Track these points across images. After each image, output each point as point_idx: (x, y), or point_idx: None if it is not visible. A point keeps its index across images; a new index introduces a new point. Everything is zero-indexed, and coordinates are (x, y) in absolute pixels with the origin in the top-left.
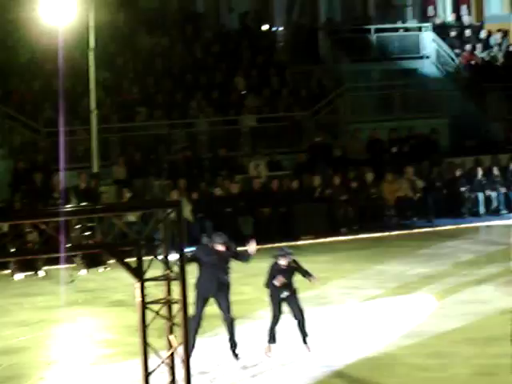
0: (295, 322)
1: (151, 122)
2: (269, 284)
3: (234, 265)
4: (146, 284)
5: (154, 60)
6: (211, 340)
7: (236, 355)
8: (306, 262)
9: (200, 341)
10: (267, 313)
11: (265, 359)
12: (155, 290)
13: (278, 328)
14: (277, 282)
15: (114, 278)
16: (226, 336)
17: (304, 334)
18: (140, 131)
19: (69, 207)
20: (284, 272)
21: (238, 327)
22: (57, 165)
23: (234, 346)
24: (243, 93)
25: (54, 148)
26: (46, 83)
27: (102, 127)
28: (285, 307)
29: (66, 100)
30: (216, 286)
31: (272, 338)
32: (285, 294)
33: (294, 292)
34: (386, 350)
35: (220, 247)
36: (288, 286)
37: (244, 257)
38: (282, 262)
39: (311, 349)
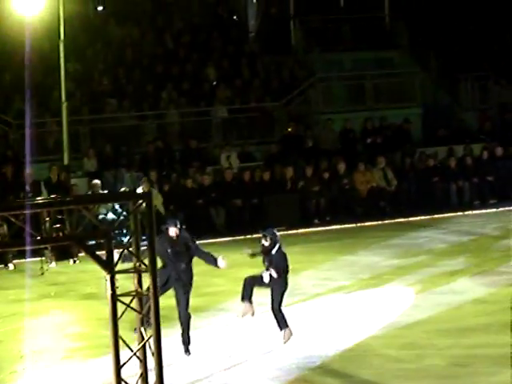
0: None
1: (122, 113)
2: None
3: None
4: (118, 276)
5: (125, 51)
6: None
7: (187, 350)
8: None
9: (174, 333)
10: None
11: (237, 352)
12: (127, 283)
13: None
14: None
15: (86, 271)
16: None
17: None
18: (111, 123)
19: (38, 200)
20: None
21: (213, 319)
22: (27, 157)
23: (187, 342)
24: (214, 83)
25: (25, 140)
26: (15, 75)
27: (72, 119)
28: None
29: (37, 92)
30: (174, 276)
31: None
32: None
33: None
34: (360, 342)
35: (173, 231)
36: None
37: (211, 260)
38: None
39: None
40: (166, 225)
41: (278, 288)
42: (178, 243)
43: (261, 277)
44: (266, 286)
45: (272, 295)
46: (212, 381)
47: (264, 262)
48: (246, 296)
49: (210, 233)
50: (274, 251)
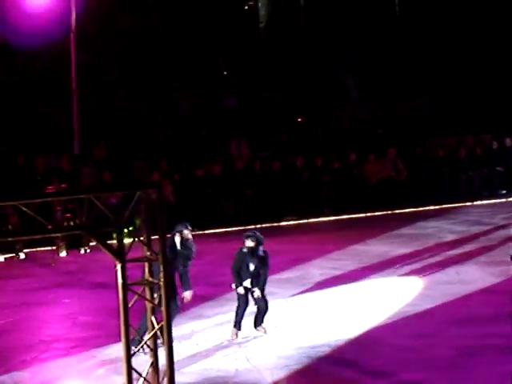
0: (256, 310)
1: (132, 103)
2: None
3: (214, 246)
4: (128, 265)
5: (135, 41)
6: (195, 322)
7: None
8: (289, 243)
9: (184, 322)
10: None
11: (250, 341)
12: (137, 272)
13: (243, 314)
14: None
15: (96, 260)
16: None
17: (259, 321)
18: (121, 112)
19: (49, 189)
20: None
21: (222, 308)
22: (38, 147)
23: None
24: (225, 73)
25: (36, 130)
26: (26, 66)
27: (82, 109)
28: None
29: (47, 82)
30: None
31: (238, 323)
32: (248, 284)
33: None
34: (370, 331)
35: (187, 233)
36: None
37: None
38: (248, 244)
39: (266, 331)
40: (177, 229)
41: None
42: (187, 246)
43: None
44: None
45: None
46: (221, 369)
47: (248, 263)
48: (238, 324)
49: (219, 222)
50: (260, 252)
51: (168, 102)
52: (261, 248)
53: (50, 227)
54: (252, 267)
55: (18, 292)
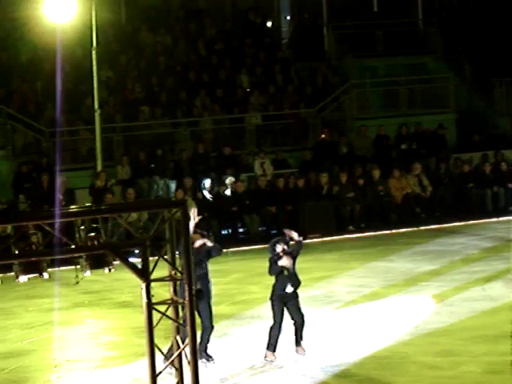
0: (294, 325)
1: (155, 121)
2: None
3: (238, 264)
4: (153, 284)
5: (158, 58)
6: (220, 340)
7: (209, 358)
8: (313, 261)
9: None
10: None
11: (269, 361)
12: (162, 291)
13: (280, 336)
14: (284, 262)
15: (120, 279)
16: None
17: (299, 338)
18: (144, 130)
19: (72, 208)
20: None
21: (247, 327)
22: (60, 165)
23: (204, 352)
24: (248, 90)
25: (58, 148)
26: (48, 83)
27: (105, 127)
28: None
29: (69, 100)
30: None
31: (272, 346)
32: (290, 288)
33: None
34: (395, 349)
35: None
36: (290, 278)
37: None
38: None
39: (306, 351)
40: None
41: (295, 302)
42: (201, 251)
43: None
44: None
45: (290, 310)
46: None
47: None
48: (271, 347)
49: (244, 240)
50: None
51: (191, 119)
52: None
53: (73, 247)
54: (286, 272)
55: (42, 312)
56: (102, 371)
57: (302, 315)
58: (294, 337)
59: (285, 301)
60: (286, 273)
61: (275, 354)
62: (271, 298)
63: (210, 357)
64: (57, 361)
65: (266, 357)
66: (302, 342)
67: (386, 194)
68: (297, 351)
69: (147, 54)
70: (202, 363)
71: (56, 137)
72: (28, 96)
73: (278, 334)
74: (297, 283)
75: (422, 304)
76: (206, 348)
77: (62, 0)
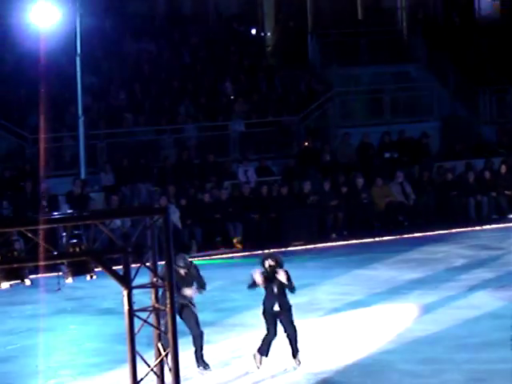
0: (287, 337)
1: (139, 127)
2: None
3: (220, 272)
4: (136, 291)
5: (141, 65)
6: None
7: (206, 366)
8: (295, 268)
9: (191, 348)
10: (258, 320)
11: (254, 369)
12: (144, 298)
13: (272, 342)
14: (256, 278)
15: (103, 286)
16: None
17: (295, 351)
18: (128, 137)
19: (55, 214)
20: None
21: (229, 334)
22: (44, 172)
23: (200, 359)
24: (232, 98)
25: (41, 155)
26: (32, 89)
27: (89, 133)
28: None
29: (53, 106)
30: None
31: (265, 351)
32: (276, 307)
33: (287, 306)
34: (378, 356)
35: (182, 271)
36: (279, 297)
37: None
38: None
39: (301, 363)
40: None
41: (287, 315)
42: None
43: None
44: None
45: (283, 323)
46: None
47: (271, 285)
48: (264, 352)
49: (227, 247)
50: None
51: (175, 127)
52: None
53: (55, 253)
54: (275, 289)
55: (25, 318)
56: (84, 378)
57: (295, 328)
58: (290, 349)
59: (276, 316)
60: (275, 291)
61: (262, 359)
62: (263, 314)
63: (207, 365)
64: (39, 367)
65: (254, 357)
66: (297, 354)
67: (369, 201)
68: (294, 362)
69: (131, 61)
70: (199, 371)
71: (39, 143)
72: (12, 102)
73: (271, 341)
74: (284, 305)
75: (405, 312)
76: (202, 355)
77: (46, 7)
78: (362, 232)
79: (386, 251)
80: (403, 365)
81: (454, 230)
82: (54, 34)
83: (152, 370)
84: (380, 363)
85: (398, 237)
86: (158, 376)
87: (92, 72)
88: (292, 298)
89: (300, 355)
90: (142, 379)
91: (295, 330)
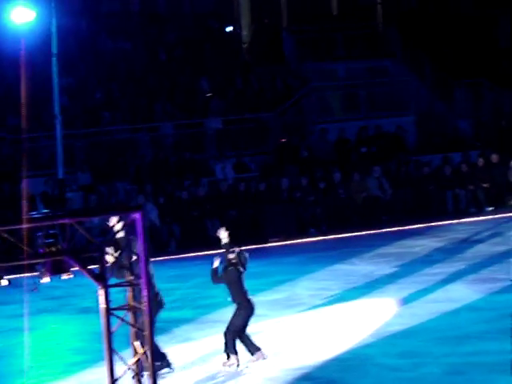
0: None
1: (116, 126)
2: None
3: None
4: (113, 290)
5: (117, 64)
6: (182, 346)
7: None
8: (274, 264)
9: (168, 346)
10: None
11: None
12: (121, 296)
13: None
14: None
15: (82, 285)
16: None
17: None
18: (105, 136)
19: (32, 214)
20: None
21: (209, 331)
22: (22, 172)
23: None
24: (208, 95)
25: (19, 155)
26: (8, 90)
27: (66, 133)
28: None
29: (30, 106)
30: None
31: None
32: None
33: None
34: (357, 351)
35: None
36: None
37: None
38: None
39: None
40: None
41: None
42: None
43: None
44: None
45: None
46: None
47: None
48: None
49: (205, 244)
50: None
51: (151, 125)
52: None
53: (31, 253)
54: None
55: (5, 318)
56: (65, 377)
57: (228, 326)
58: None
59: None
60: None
61: (238, 357)
62: None
63: (169, 364)
64: (21, 367)
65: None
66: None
67: (347, 196)
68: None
69: (107, 60)
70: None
71: (19, 144)
72: None
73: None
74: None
75: (384, 306)
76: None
77: (22, 8)
78: (340, 227)
79: (364, 246)
80: (382, 359)
81: (431, 224)
82: (30, 34)
83: (129, 368)
84: (359, 357)
85: (375, 231)
86: (136, 374)
87: (68, 72)
88: (270, 294)
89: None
90: (119, 378)
91: (228, 328)
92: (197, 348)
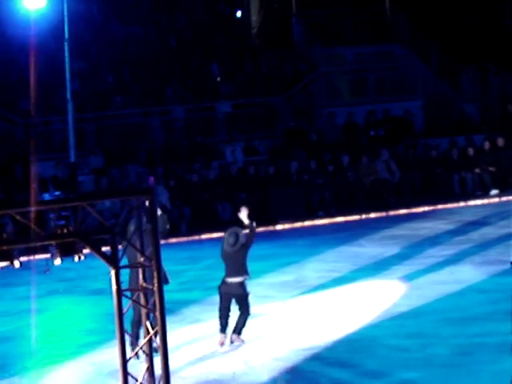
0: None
1: (127, 110)
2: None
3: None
4: (124, 271)
5: (129, 49)
6: (192, 326)
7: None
8: (284, 247)
9: (179, 327)
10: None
11: (247, 343)
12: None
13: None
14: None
15: (94, 267)
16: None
17: (239, 328)
18: (116, 120)
19: (43, 197)
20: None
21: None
22: (34, 156)
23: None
24: (218, 79)
25: (32, 139)
26: (21, 75)
27: (78, 117)
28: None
29: (42, 91)
30: None
31: (223, 328)
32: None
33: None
34: (365, 332)
35: None
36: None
37: None
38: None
39: (244, 341)
40: None
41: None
42: None
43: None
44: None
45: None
46: (218, 373)
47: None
48: (224, 329)
49: (216, 227)
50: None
51: (162, 109)
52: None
53: (43, 235)
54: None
55: (17, 300)
56: (77, 357)
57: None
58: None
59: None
60: (230, 266)
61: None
62: (218, 288)
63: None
64: (33, 348)
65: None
66: (238, 333)
67: (355, 179)
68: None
69: (118, 45)
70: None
71: (30, 127)
72: (1, 88)
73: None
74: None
75: (392, 287)
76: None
77: None
78: (349, 210)
79: (372, 228)
80: (390, 340)
81: (438, 207)
82: (42, 19)
83: (141, 348)
84: (367, 338)
85: (383, 214)
86: (146, 355)
87: (80, 56)
88: (279, 276)
89: (243, 336)
90: (130, 358)
91: (248, 309)
92: (206, 329)
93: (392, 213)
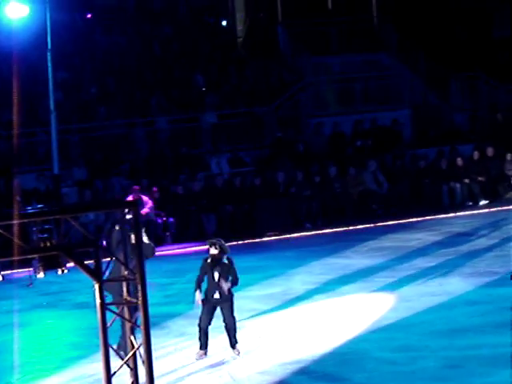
0: (224, 328)
1: (111, 121)
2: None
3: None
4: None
5: (113, 59)
6: (178, 340)
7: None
8: (270, 258)
9: (164, 341)
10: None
11: (225, 357)
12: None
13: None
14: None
15: (77, 280)
16: None
17: (233, 341)
18: (100, 131)
19: (27, 209)
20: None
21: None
22: (17, 168)
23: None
24: (203, 90)
25: (14, 151)
26: (2, 85)
27: (61, 128)
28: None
29: (25, 102)
30: None
31: (203, 344)
32: (217, 295)
33: (227, 296)
34: (353, 345)
35: None
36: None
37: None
38: (212, 251)
39: (241, 353)
40: None
41: (228, 305)
42: None
43: (212, 309)
44: (216, 305)
45: (224, 313)
46: None
47: (212, 272)
48: (204, 345)
49: (201, 239)
50: (224, 260)
51: (147, 119)
52: (225, 256)
53: (26, 248)
54: (217, 276)
55: (1, 313)
56: (62, 372)
57: (234, 319)
58: (228, 339)
59: (216, 305)
60: (216, 278)
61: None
62: (202, 301)
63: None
64: (17, 363)
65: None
66: (236, 345)
67: (343, 191)
68: (233, 353)
69: (102, 54)
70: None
71: (12, 139)
72: None
73: (204, 330)
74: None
75: (380, 300)
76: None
77: (15, 2)
78: (336, 221)
79: (360, 240)
80: (378, 353)
81: (427, 218)
82: (24, 29)
83: (125, 363)
84: (356, 351)
85: (371, 225)
86: (131, 369)
87: (63, 66)
88: (266, 288)
89: (238, 346)
90: (115, 372)
91: (234, 322)
92: (192, 342)
93: (380, 224)
